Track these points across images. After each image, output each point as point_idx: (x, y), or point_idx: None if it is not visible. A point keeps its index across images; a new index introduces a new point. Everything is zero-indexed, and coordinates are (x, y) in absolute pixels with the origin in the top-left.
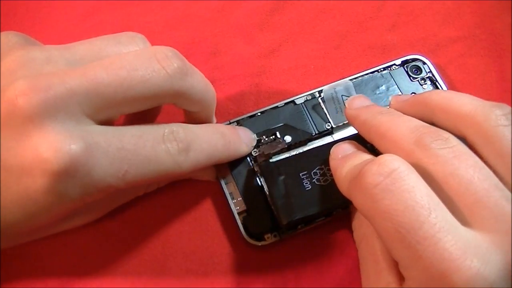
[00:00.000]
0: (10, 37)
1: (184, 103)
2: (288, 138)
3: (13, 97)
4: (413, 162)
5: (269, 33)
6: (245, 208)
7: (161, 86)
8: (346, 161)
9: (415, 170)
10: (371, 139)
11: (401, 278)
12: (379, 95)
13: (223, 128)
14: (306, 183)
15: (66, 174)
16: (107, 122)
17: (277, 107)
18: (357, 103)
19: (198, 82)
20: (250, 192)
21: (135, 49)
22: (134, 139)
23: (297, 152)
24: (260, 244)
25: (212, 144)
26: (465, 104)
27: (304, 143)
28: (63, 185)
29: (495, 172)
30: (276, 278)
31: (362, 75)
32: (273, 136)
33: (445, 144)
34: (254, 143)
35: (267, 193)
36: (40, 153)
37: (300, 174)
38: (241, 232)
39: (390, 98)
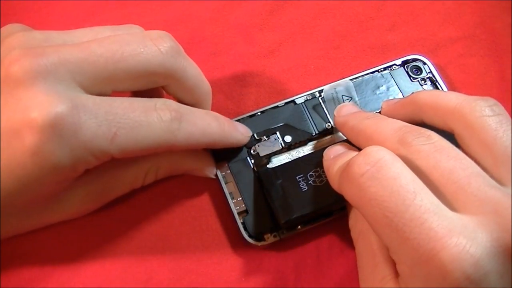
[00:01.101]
0: (14, 26)
1: (177, 87)
2: (288, 138)
3: (7, 65)
4: None
5: (269, 33)
6: (245, 208)
7: (152, 62)
8: (337, 160)
9: (400, 159)
10: (359, 144)
11: (397, 271)
12: (380, 95)
13: (216, 113)
14: (303, 185)
15: (52, 133)
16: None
17: (277, 106)
18: (345, 110)
19: (192, 68)
20: (250, 192)
21: None
22: (124, 105)
23: (294, 158)
24: (260, 244)
25: (206, 122)
26: (451, 99)
27: (304, 143)
28: (50, 145)
29: (481, 162)
30: (276, 278)
31: (362, 75)
32: (266, 136)
33: (427, 141)
34: (250, 134)
35: (267, 196)
36: (28, 113)
37: (297, 177)
38: (241, 232)
39: (381, 104)
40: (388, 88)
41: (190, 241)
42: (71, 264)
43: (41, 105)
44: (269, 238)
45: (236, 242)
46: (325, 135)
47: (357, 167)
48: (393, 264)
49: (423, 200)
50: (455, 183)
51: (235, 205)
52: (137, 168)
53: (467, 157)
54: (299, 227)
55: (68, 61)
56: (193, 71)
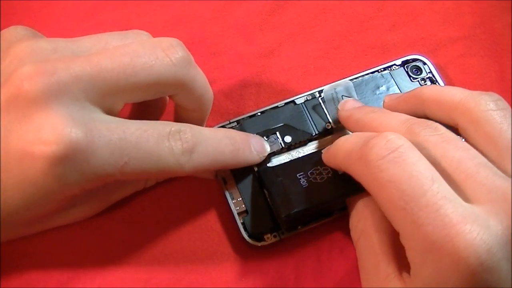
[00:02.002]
0: (18, 30)
1: (185, 96)
2: (288, 138)
3: (19, 81)
4: None
5: (269, 33)
6: (245, 208)
7: (164, 74)
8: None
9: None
10: None
11: (400, 268)
12: (380, 95)
13: (234, 133)
14: (303, 181)
15: (66, 158)
16: (112, 111)
17: (277, 107)
18: (349, 105)
19: (201, 77)
20: (250, 193)
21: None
22: (139, 132)
23: (294, 158)
24: (260, 245)
25: (219, 149)
26: (455, 94)
27: (304, 143)
28: (62, 168)
29: (486, 155)
30: (276, 278)
31: (362, 75)
32: (266, 136)
33: (434, 132)
34: (266, 154)
35: (267, 194)
36: (42, 135)
37: (297, 175)
38: (241, 233)
39: (384, 98)
40: (388, 88)
41: (190, 241)
42: (72, 265)
43: (55, 128)
44: (269, 239)
45: (236, 243)
46: (325, 135)
47: (378, 149)
48: (396, 262)
49: (439, 187)
50: (464, 172)
51: (235, 206)
52: None
53: (473, 148)
54: (299, 227)
55: (80, 78)
56: (202, 80)
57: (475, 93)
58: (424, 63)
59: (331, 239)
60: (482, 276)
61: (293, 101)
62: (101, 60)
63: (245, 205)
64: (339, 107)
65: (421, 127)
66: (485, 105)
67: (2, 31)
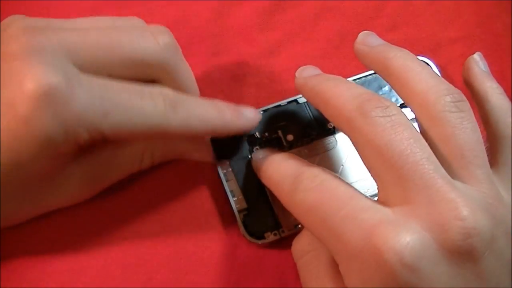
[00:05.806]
0: (15, 16)
1: (168, 84)
2: (290, 137)
3: (6, 42)
4: (354, 129)
5: (269, 33)
6: (245, 206)
7: (149, 53)
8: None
9: (338, 176)
10: (318, 106)
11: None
12: (382, 95)
13: (218, 101)
14: None
15: (45, 102)
16: None
17: (279, 105)
18: (307, 72)
19: (186, 69)
20: (251, 191)
21: None
22: (120, 85)
23: None
24: (260, 243)
25: (204, 108)
26: (420, 81)
27: (306, 142)
28: (42, 113)
29: (435, 152)
30: (276, 278)
31: (365, 75)
32: (268, 135)
33: (384, 113)
34: (258, 119)
35: None
36: (22, 84)
37: None
38: (241, 231)
39: (360, 34)
40: (390, 89)
41: (190, 240)
42: (71, 264)
43: (35, 75)
44: (270, 237)
45: (236, 241)
46: (327, 135)
47: (305, 184)
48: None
49: (358, 202)
50: (407, 164)
51: (236, 203)
52: (132, 149)
53: (421, 139)
54: (299, 226)
55: (65, 41)
56: (187, 73)
57: (439, 89)
58: (427, 65)
59: None
60: (403, 274)
61: (295, 100)
62: (90, 31)
63: (246, 203)
64: (296, 74)
65: (372, 106)
66: (443, 105)
67: (2, 22)
